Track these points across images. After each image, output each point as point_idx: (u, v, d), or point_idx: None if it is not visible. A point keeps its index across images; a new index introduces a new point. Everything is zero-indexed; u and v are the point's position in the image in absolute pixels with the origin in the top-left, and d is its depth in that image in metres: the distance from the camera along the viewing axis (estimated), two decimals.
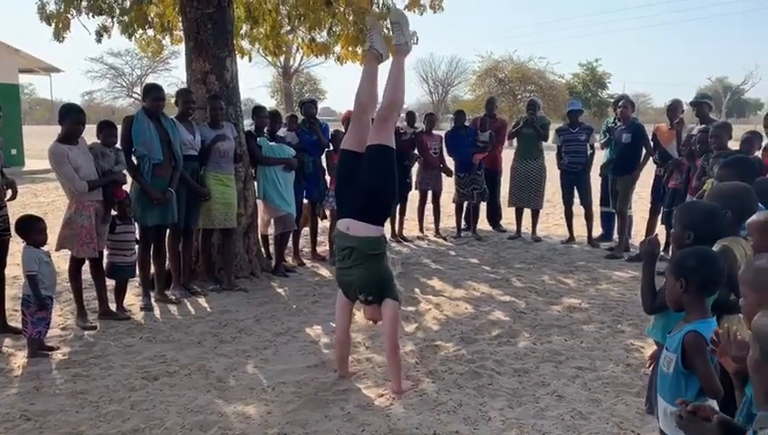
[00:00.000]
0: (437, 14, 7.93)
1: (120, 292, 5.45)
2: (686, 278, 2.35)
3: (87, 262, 5.19)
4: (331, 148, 7.42)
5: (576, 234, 8.56)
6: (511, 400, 3.80)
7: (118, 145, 5.40)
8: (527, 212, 8.89)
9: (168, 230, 5.85)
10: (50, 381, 4.04)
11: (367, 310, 4.07)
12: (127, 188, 5.45)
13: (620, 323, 5.27)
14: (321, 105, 13.08)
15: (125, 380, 4.06)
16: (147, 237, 5.68)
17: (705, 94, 7.90)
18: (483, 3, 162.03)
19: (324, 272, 6.96)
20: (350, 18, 7.69)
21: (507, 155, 9.28)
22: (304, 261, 7.37)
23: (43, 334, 4.52)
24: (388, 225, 7.80)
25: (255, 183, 6.77)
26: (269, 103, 46.45)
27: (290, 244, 7.18)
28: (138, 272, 5.63)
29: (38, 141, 18.24)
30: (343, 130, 6.79)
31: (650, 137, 7.73)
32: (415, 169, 8.97)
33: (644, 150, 7.72)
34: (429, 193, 8.95)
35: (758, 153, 5.59)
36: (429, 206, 8.98)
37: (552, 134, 8.91)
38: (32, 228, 4.55)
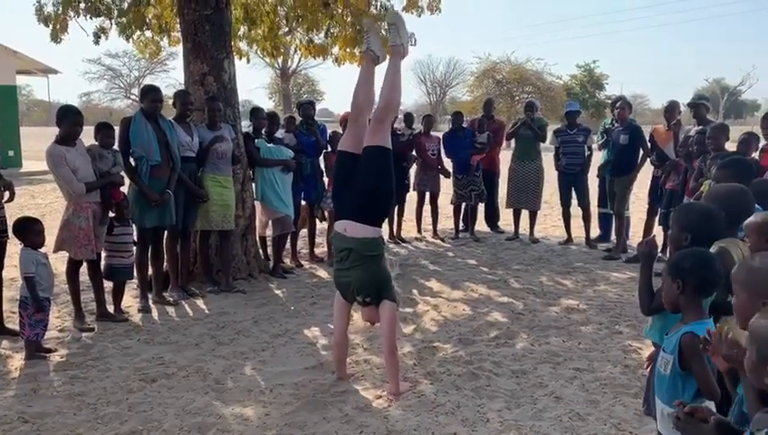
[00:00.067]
0: (435, 15, 7.98)
1: (118, 294, 5.45)
2: (683, 279, 2.35)
3: (85, 264, 5.19)
4: (330, 149, 7.40)
5: (574, 235, 8.57)
6: (509, 401, 3.80)
7: (115, 147, 5.40)
8: (525, 213, 8.90)
9: (165, 232, 5.85)
10: (47, 384, 4.03)
11: (365, 311, 4.07)
12: (125, 189, 5.45)
13: (618, 324, 5.27)
14: (319, 106, 13.08)
15: (123, 382, 4.05)
16: (144, 239, 5.68)
17: (703, 96, 7.90)
18: (480, 4, 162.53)
19: (322, 273, 6.96)
20: (348, 19, 7.71)
21: (505, 156, 9.28)
22: (302, 262, 7.36)
23: (40, 336, 4.50)
24: (386, 226, 7.83)
25: (253, 185, 6.76)
26: (267, 105, 46.47)
27: (288, 245, 7.18)
28: (135, 274, 5.64)
29: (36, 143, 18.19)
30: (341, 132, 6.79)
31: (648, 138, 7.74)
32: (413, 170, 8.96)
33: (641, 152, 7.74)
34: (427, 194, 8.96)
35: (755, 154, 5.61)
36: (427, 207, 8.98)
37: (549, 135, 8.91)
38: (29, 230, 4.53)
